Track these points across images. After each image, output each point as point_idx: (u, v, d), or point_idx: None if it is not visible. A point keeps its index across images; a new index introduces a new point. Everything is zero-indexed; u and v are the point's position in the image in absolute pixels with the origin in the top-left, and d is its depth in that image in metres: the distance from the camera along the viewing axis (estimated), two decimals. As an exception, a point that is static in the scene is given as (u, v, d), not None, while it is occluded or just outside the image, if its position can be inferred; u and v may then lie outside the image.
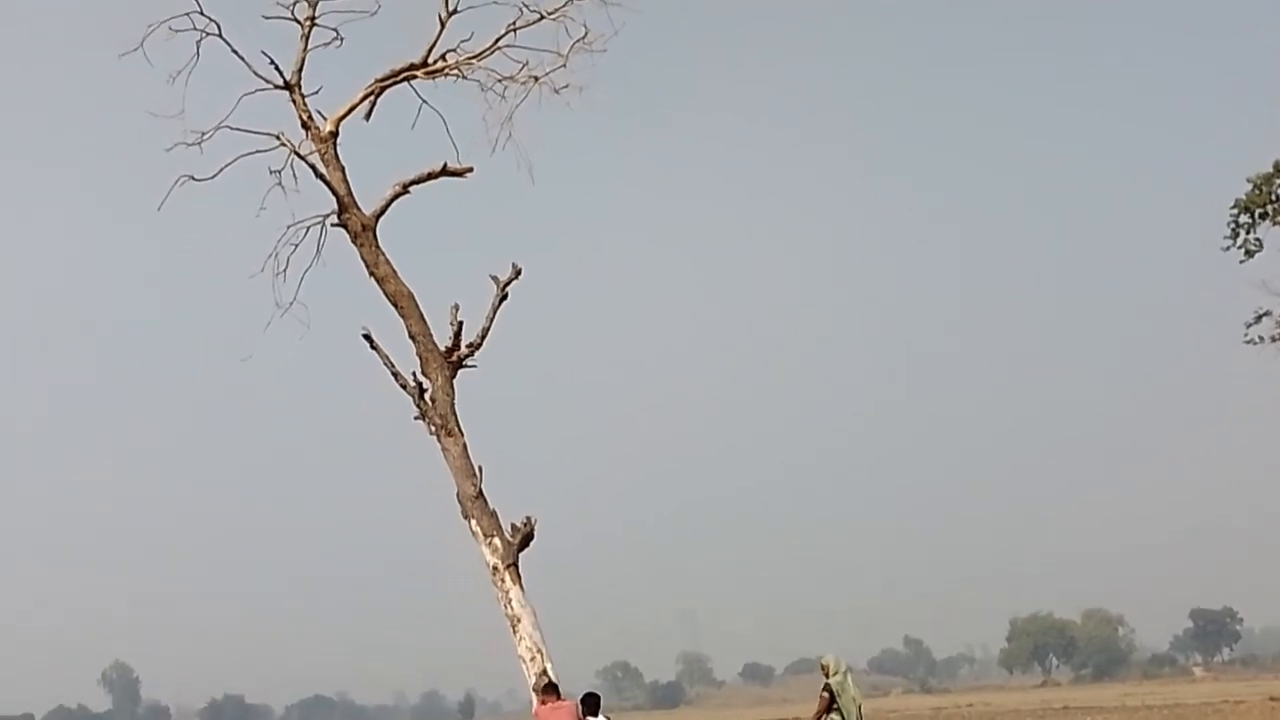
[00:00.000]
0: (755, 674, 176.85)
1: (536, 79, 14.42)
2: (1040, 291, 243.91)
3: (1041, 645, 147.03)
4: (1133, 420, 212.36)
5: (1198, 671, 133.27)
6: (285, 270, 13.87)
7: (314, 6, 13.90)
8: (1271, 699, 45.80)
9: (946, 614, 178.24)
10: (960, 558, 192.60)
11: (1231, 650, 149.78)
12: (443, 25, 14.29)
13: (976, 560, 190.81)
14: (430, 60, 14.30)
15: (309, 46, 13.93)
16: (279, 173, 13.52)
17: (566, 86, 14.49)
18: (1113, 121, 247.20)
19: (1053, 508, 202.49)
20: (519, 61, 14.50)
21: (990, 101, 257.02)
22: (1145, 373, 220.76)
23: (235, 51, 13.24)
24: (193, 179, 13.29)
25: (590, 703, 13.20)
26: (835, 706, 15.60)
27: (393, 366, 13.96)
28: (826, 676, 15.81)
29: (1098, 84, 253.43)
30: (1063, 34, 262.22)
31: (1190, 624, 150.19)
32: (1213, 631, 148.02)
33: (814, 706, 16.07)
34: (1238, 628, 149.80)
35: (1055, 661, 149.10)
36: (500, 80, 14.38)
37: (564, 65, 14.47)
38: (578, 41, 14.44)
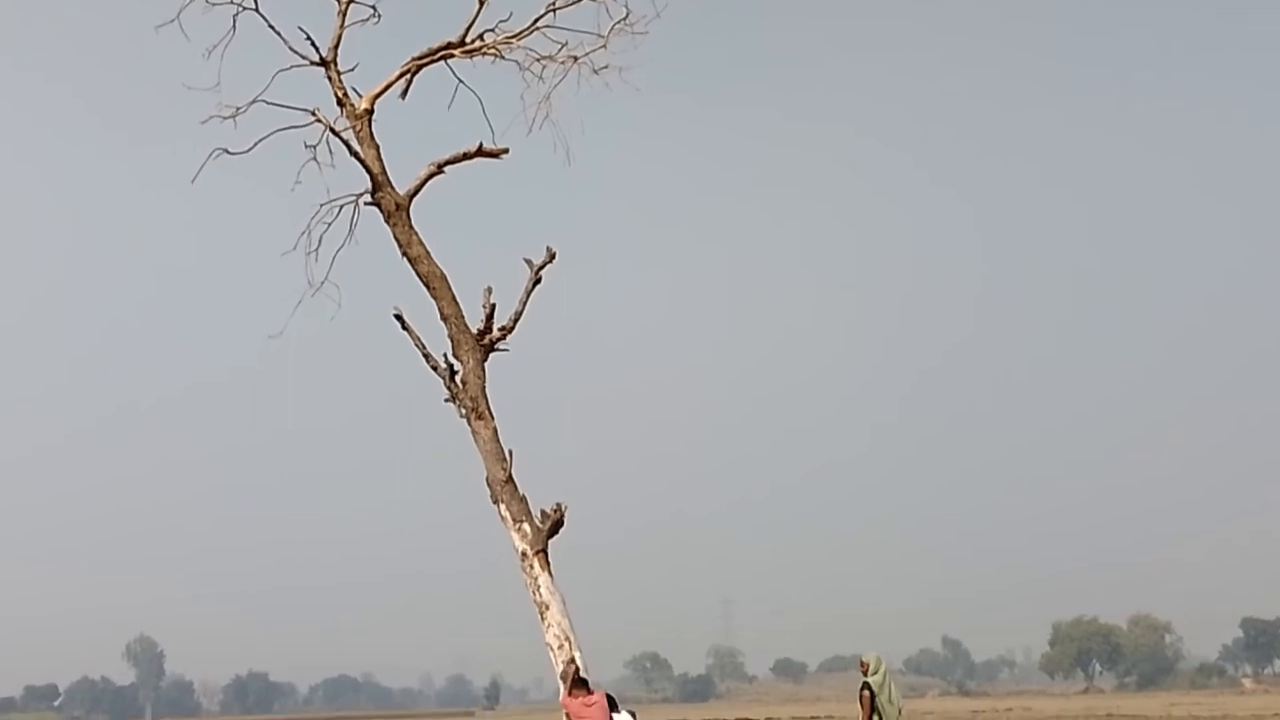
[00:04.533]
0: (787, 670, 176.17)
1: (576, 59, 14.21)
2: (1083, 291, 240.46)
3: (1085, 651, 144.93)
4: (1188, 425, 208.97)
5: (1247, 683, 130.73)
6: (318, 249, 13.77)
7: (352, -17, 13.78)
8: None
9: (987, 615, 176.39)
10: (1003, 558, 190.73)
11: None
12: (481, 4, 14.13)
13: (1020, 561, 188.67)
14: (468, 39, 14.13)
15: (346, 23, 13.81)
16: (314, 147, 13.41)
17: (606, 67, 14.28)
18: (1139, 126, 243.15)
19: (1101, 510, 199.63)
20: (558, 42, 14.31)
21: (1042, 89, 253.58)
22: (1201, 377, 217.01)
23: (272, 26, 13.15)
24: (227, 152, 13.21)
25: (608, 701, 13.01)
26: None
27: (424, 348, 13.85)
28: (865, 675, 15.37)
29: (1130, 74, 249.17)
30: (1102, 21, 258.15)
31: (1241, 634, 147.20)
32: (1264, 643, 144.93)
33: (849, 706, 15.71)
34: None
35: (1099, 668, 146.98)
36: (539, 60, 14.19)
37: (604, 46, 14.25)
38: (618, 23, 14.22)
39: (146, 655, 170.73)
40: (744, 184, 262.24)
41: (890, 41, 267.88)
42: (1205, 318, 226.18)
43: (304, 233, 13.73)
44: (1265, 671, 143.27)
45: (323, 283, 13.83)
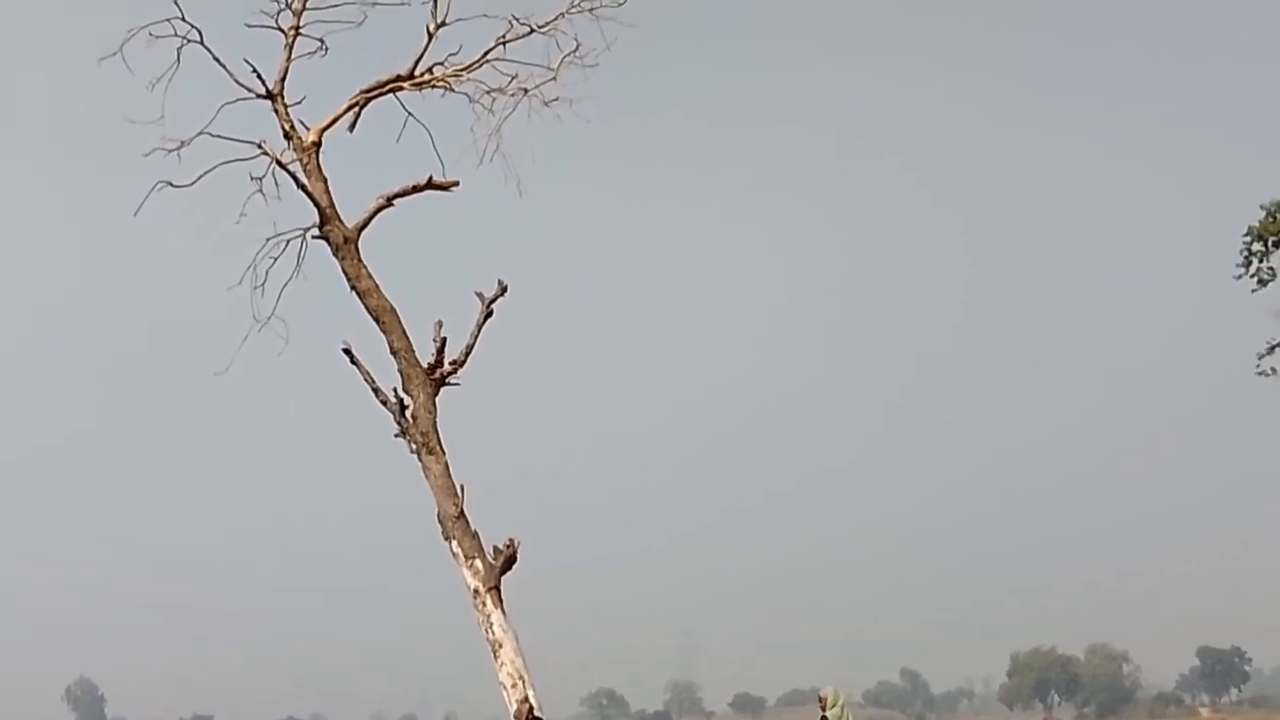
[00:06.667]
0: (746, 705, 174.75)
1: (526, 91, 14.22)
2: (1047, 316, 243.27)
3: (1044, 681, 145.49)
4: (1141, 452, 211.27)
5: (1204, 712, 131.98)
6: (264, 284, 13.60)
7: (299, 16, 13.71)
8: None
9: (945, 646, 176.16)
10: (961, 588, 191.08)
11: (1240, 691, 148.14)
12: (430, 38, 14.10)
13: (977, 591, 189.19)
14: (417, 72, 14.09)
15: (293, 56, 13.72)
16: (260, 179, 13.29)
17: (557, 99, 14.31)
18: (1128, 131, 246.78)
19: (1057, 539, 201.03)
20: (508, 75, 14.33)
21: (1007, 107, 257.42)
22: (1154, 404, 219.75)
23: (217, 59, 13.05)
24: (171, 185, 13.05)
25: None
26: None
27: (373, 382, 13.69)
28: (824, 709, 15.38)
29: (1112, 93, 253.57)
30: (1081, 33, 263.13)
31: (1198, 663, 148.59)
32: (1221, 671, 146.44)
33: None
34: (1246, 668, 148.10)
35: (1057, 698, 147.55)
36: (489, 92, 14.19)
37: (554, 79, 14.28)
38: (568, 55, 14.27)
39: (87, 698, 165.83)
40: (731, 191, 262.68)
41: (877, 47, 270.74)
42: (1194, 324, 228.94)
43: (249, 267, 13.57)
44: (1222, 700, 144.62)
45: (269, 318, 13.65)
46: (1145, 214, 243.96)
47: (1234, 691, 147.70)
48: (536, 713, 12.79)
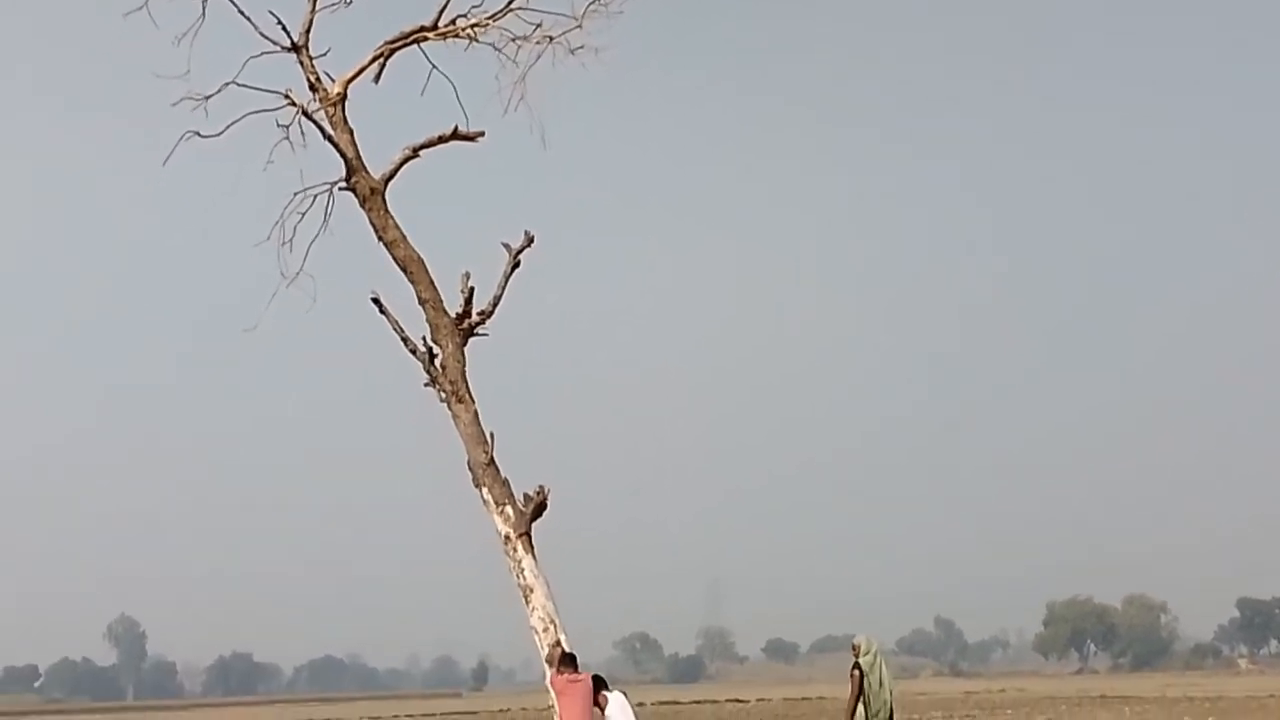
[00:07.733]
0: (779, 651, 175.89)
1: (551, 39, 14.16)
2: (1092, 276, 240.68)
3: (1079, 631, 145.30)
4: (1183, 407, 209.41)
5: (1243, 664, 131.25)
6: (292, 240, 13.72)
7: (322, -32, 13.72)
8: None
9: (981, 595, 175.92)
10: (997, 536, 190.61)
11: (1279, 643, 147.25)
12: (454, -12, 14.05)
13: (1014, 539, 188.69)
14: (440, 23, 14.07)
15: (317, 8, 13.76)
16: (286, 127, 13.36)
17: (582, 47, 14.24)
18: (1124, 130, 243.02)
19: (1096, 488, 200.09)
20: (532, 24, 14.27)
21: (1038, 89, 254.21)
22: (1199, 360, 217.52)
23: (242, 12, 13.09)
24: (199, 135, 13.16)
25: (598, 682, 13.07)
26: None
27: (402, 331, 13.83)
28: (856, 656, 15.50)
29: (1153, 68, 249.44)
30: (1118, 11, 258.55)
31: (1237, 614, 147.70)
32: (1260, 623, 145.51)
33: (841, 687, 15.76)
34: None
35: (1093, 649, 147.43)
36: (513, 40, 14.14)
37: (579, 27, 14.22)
38: (593, 3, 14.18)
39: (128, 636, 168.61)
40: (739, 166, 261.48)
41: (911, 33, 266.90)
42: (1189, 320, 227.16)
43: (277, 223, 13.69)
44: (1261, 652, 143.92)
45: (298, 274, 13.78)
46: (1142, 213, 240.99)
47: (1273, 643, 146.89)
48: (568, 649, 12.98)
